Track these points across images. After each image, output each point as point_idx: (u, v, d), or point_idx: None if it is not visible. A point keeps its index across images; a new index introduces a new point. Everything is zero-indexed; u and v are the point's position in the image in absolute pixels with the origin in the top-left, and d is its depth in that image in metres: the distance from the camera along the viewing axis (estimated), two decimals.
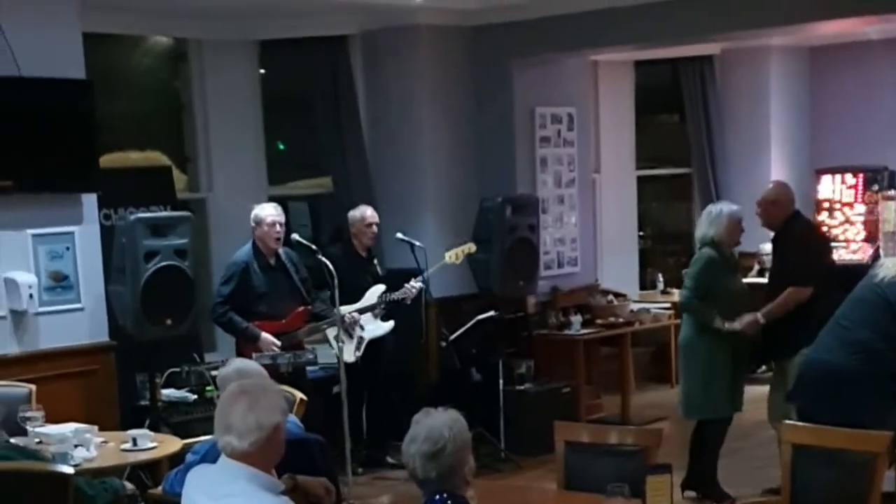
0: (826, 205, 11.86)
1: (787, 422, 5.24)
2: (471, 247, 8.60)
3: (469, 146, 9.92)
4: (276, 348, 7.84)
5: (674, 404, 7.98)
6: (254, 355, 7.34)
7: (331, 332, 8.01)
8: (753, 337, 7.34)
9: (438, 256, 8.67)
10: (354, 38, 9.74)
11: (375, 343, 8.47)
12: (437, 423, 3.61)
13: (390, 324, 8.51)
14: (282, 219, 8.01)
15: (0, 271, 7.25)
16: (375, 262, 8.71)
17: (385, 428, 8.68)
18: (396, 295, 8.38)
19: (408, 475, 3.64)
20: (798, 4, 8.21)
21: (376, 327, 8.45)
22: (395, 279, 8.59)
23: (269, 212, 8.01)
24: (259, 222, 8.00)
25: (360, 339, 8.35)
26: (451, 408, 3.71)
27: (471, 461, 3.69)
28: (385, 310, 8.48)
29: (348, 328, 8.18)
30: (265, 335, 7.90)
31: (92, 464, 5.82)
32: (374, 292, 8.42)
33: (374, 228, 8.62)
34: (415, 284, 8.40)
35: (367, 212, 8.64)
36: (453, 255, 8.56)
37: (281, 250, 8.08)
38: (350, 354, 8.16)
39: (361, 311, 8.33)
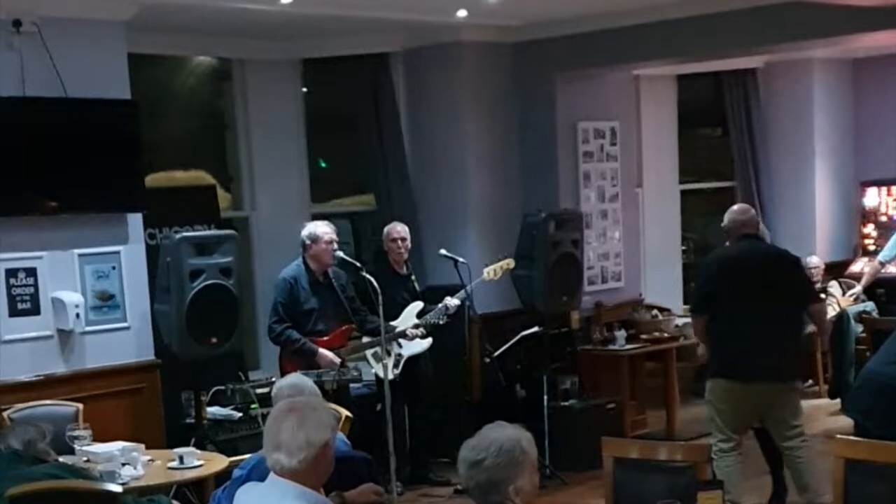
0: (872, 217, 11.78)
1: (839, 436, 5.17)
2: (509, 262, 8.57)
3: (512, 162, 9.92)
4: (337, 364, 7.85)
5: None
6: (298, 373, 7.33)
7: (370, 351, 8.03)
8: None
9: (482, 273, 8.66)
10: (397, 56, 9.77)
11: (413, 360, 8.46)
12: (492, 435, 3.53)
13: (428, 341, 8.48)
14: (336, 236, 8.04)
15: (47, 291, 7.30)
16: (413, 278, 8.68)
17: (428, 445, 8.67)
18: (431, 317, 8.38)
19: (452, 492, 3.60)
20: (841, 17, 8.15)
21: (415, 344, 8.42)
22: (435, 296, 8.60)
23: (325, 230, 8.01)
24: (315, 240, 7.99)
25: (399, 356, 8.34)
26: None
27: (520, 483, 3.51)
28: (428, 329, 8.48)
29: (387, 345, 8.17)
30: (323, 351, 7.91)
31: (139, 482, 5.84)
32: (413, 309, 8.42)
33: (400, 244, 8.55)
34: (449, 301, 8.40)
35: (395, 227, 8.62)
36: (491, 272, 8.53)
37: (330, 269, 8.09)
38: (388, 372, 8.13)
39: (416, 327, 8.34)
